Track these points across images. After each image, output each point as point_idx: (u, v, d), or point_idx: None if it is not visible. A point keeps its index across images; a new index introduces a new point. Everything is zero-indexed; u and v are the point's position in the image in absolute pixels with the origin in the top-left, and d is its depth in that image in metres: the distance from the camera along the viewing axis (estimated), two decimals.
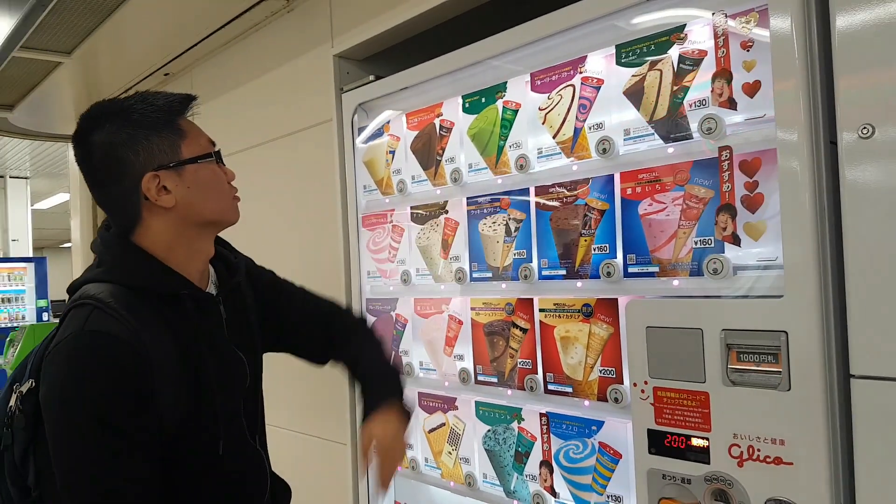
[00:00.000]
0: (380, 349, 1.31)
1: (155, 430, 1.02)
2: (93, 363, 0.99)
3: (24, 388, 1.06)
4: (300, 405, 2.25)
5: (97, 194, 1.14)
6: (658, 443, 1.18)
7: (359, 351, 1.31)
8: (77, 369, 0.99)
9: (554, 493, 1.43)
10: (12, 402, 1.08)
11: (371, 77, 1.85)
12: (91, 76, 3.49)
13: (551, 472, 1.43)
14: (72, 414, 0.98)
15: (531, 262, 1.47)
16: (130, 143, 1.08)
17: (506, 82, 1.52)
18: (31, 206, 10.47)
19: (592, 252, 1.34)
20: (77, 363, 0.99)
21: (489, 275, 1.56)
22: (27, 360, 1.12)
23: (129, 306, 1.03)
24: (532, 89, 1.47)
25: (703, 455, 1.12)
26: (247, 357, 1.20)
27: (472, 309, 1.61)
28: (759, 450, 1.05)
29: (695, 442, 1.13)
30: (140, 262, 1.10)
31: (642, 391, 1.20)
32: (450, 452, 1.68)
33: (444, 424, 1.70)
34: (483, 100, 1.57)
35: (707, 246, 1.16)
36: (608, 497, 1.33)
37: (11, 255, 9.71)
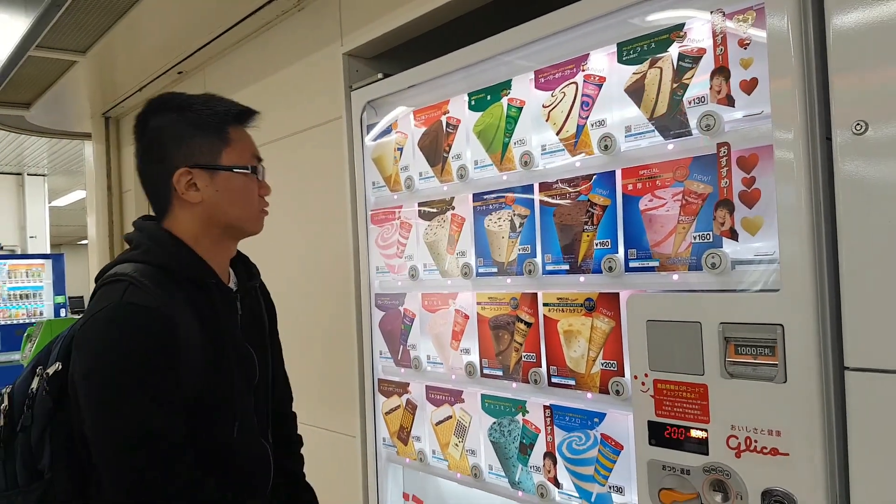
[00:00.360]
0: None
1: (183, 396, 1.08)
2: (132, 330, 1.05)
3: (51, 371, 1.11)
4: (311, 399, 2.29)
5: (141, 173, 1.23)
6: (658, 434, 1.20)
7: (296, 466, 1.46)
8: (117, 335, 1.05)
9: (557, 484, 1.46)
10: (34, 385, 1.13)
11: (379, 75, 1.88)
12: (106, 74, 3.56)
13: (555, 463, 1.46)
14: (113, 378, 1.04)
15: (535, 257, 1.49)
16: (177, 137, 1.17)
17: (511, 80, 1.55)
18: (49, 203, 10.63)
19: (595, 247, 1.37)
20: (117, 330, 1.05)
21: (494, 270, 1.59)
22: (51, 345, 1.18)
23: (161, 284, 1.10)
24: (536, 87, 1.49)
25: (701, 446, 1.14)
26: (256, 354, 1.26)
27: (478, 303, 1.64)
28: (756, 441, 1.07)
29: (694, 433, 1.15)
30: (173, 246, 1.17)
31: (643, 384, 1.22)
32: (456, 444, 1.71)
33: (450, 417, 1.73)
34: (488, 97, 1.59)
35: (706, 241, 1.18)
36: (610, 488, 1.35)
37: (29, 252, 9.86)
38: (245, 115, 1.23)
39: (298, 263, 2.45)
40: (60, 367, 1.11)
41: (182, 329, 1.09)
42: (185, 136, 1.17)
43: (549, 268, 1.47)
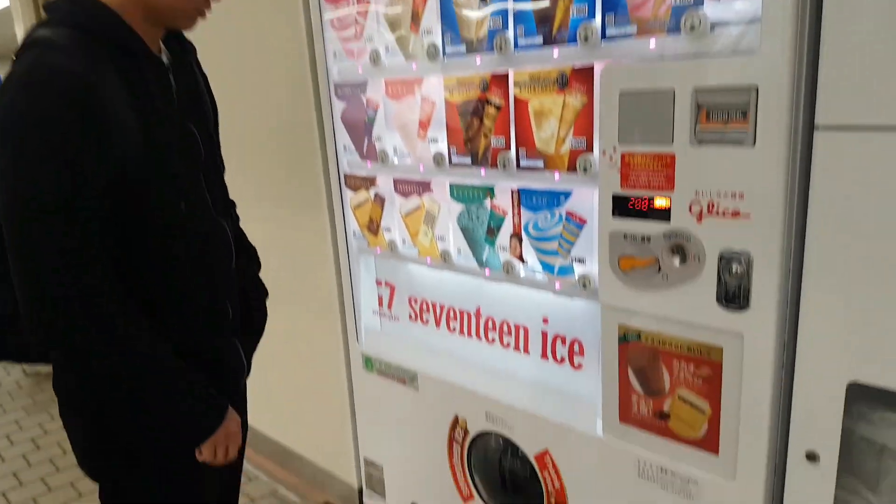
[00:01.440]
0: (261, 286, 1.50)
1: (109, 170, 1.01)
2: (48, 94, 0.96)
3: None
4: (273, 199, 2.28)
5: None
6: (622, 206, 1.22)
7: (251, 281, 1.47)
8: (30, 99, 0.96)
9: (522, 260, 1.52)
10: None
11: None
12: None
13: (520, 242, 1.50)
14: (23, 144, 0.96)
15: (507, 30, 1.39)
16: None
17: None
18: None
19: (571, 15, 1.27)
20: (30, 94, 0.96)
21: (463, 48, 1.49)
22: None
23: (83, 49, 1.00)
24: None
25: (664, 214, 1.17)
26: (199, 133, 1.20)
27: (446, 87, 1.56)
28: (717, 204, 1.10)
29: (657, 203, 1.17)
30: (94, 7, 1.06)
31: (611, 158, 1.22)
32: (426, 233, 1.74)
33: (419, 207, 1.74)
34: None
35: (686, 2, 1.10)
36: (572, 259, 1.41)
37: None
38: None
39: (244, 51, 2.26)
40: None
41: (109, 99, 0.99)
42: None
43: (521, 42, 1.38)
